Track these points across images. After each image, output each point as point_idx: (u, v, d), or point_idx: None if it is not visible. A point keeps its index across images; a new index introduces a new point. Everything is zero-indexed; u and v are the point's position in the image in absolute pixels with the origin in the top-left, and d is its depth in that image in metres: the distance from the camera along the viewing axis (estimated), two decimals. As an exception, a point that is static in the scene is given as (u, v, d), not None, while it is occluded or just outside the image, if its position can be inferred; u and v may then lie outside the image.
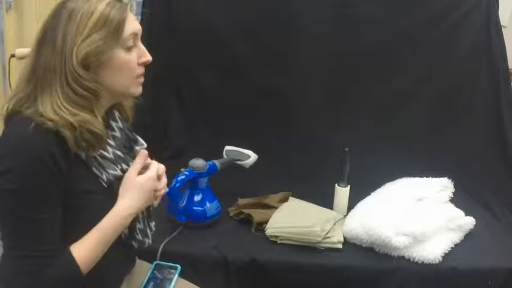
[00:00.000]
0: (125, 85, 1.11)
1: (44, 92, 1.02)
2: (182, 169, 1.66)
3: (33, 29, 2.22)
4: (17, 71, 2.07)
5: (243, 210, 1.81)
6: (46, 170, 0.98)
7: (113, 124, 1.18)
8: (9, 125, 1.03)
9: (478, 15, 2.07)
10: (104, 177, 1.08)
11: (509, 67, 2.14)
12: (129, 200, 1.10)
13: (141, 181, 1.12)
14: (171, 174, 1.46)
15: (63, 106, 1.01)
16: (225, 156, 1.82)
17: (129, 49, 1.08)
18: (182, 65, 2.13)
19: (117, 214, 1.08)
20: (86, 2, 1.03)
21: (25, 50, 1.72)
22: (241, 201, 1.88)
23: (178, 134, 2.18)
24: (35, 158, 0.97)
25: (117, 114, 1.20)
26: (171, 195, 1.65)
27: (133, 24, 1.08)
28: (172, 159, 1.96)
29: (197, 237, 1.66)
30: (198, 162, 1.68)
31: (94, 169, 1.07)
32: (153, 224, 1.26)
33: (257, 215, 1.77)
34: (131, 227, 1.17)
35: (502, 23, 2.12)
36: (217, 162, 1.73)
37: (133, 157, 1.19)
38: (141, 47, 1.12)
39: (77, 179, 1.04)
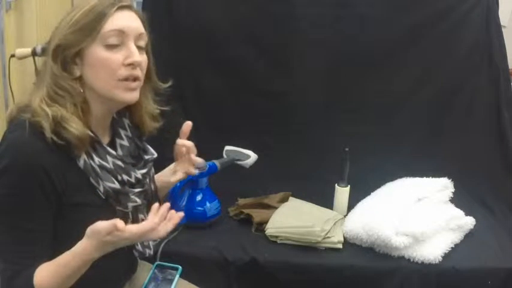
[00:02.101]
0: (106, 87, 1.04)
1: (38, 87, 1.05)
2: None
3: (33, 29, 2.21)
4: (17, 71, 2.07)
5: (243, 210, 1.81)
6: (35, 183, 0.97)
7: (121, 132, 1.16)
8: (8, 129, 1.03)
9: (478, 15, 2.07)
10: (101, 188, 1.06)
11: (509, 67, 2.14)
12: (99, 246, 0.98)
13: (112, 241, 0.97)
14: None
15: (44, 98, 1.01)
16: (225, 156, 1.82)
17: (110, 47, 1.03)
18: (182, 65, 2.12)
19: (83, 253, 0.98)
20: (83, 3, 1.04)
21: (25, 50, 1.71)
22: (241, 201, 1.88)
23: (179, 134, 2.17)
24: (25, 168, 0.97)
25: (126, 121, 1.18)
26: (171, 195, 1.66)
27: (120, 22, 1.04)
28: (172, 159, 1.96)
29: (197, 237, 1.66)
30: (198, 162, 1.68)
31: (91, 179, 1.05)
32: None
33: (257, 215, 1.77)
34: None
35: (502, 23, 2.12)
36: (217, 162, 1.73)
37: (143, 166, 1.17)
38: (131, 47, 1.05)
39: (74, 188, 1.02)
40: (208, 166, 1.69)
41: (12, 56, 1.79)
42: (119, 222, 0.93)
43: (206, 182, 1.74)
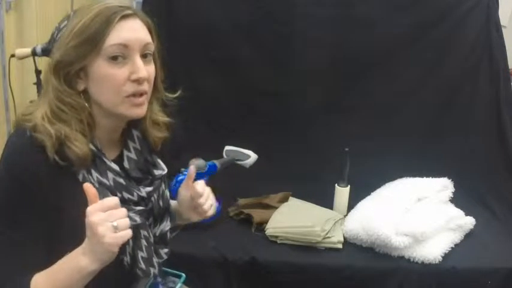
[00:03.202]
0: (111, 102, 1.00)
1: (42, 101, 1.01)
2: (182, 169, 1.66)
3: (33, 29, 2.22)
4: (17, 71, 2.07)
5: (243, 210, 1.81)
6: (26, 192, 0.95)
7: (130, 144, 1.10)
8: (12, 134, 1.02)
9: (478, 15, 2.07)
10: None
11: (509, 67, 2.14)
12: (85, 244, 0.92)
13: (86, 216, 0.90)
14: (171, 174, 1.46)
15: (46, 115, 0.98)
16: (225, 156, 1.82)
17: (114, 61, 0.98)
18: (182, 65, 2.12)
19: (74, 259, 0.93)
20: (87, 8, 0.99)
21: (25, 50, 1.72)
22: (241, 201, 1.88)
23: (178, 134, 2.18)
24: (17, 174, 0.95)
25: (136, 133, 1.11)
26: (171, 195, 1.65)
27: (123, 34, 0.98)
28: (172, 159, 1.96)
29: (197, 237, 1.66)
30: (198, 162, 1.68)
31: None
32: (164, 251, 1.16)
33: (257, 215, 1.77)
34: (133, 255, 1.08)
35: (502, 23, 2.12)
36: (217, 162, 1.73)
37: (150, 184, 1.11)
38: (136, 62, 0.99)
39: (71, 203, 0.97)
40: (208, 166, 1.69)
41: (12, 56, 1.80)
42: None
43: (206, 182, 1.74)
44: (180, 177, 1.63)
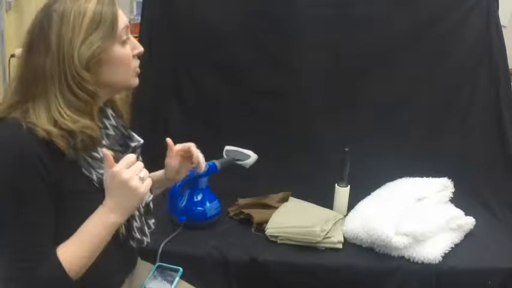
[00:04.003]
0: (125, 79, 1.11)
1: (38, 100, 1.00)
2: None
3: (33, 29, 2.22)
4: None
5: (243, 210, 1.81)
6: (34, 172, 0.97)
7: (106, 122, 1.15)
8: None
9: (478, 15, 2.07)
10: (95, 177, 1.06)
11: (509, 67, 2.14)
12: (110, 202, 1.04)
13: (111, 178, 1.03)
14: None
15: (66, 114, 1.00)
16: (225, 156, 1.82)
17: (124, 43, 1.08)
18: (182, 65, 2.13)
19: (100, 218, 1.04)
20: (74, 2, 1.01)
21: (25, 50, 1.72)
22: (241, 201, 1.88)
23: (178, 134, 2.18)
24: (22, 158, 0.96)
25: (109, 111, 1.18)
26: (171, 195, 1.66)
27: (123, 18, 1.08)
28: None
29: (197, 237, 1.66)
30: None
31: (84, 170, 1.05)
32: (152, 221, 1.23)
33: (257, 215, 1.77)
34: (128, 225, 1.15)
35: (502, 23, 2.12)
36: (217, 162, 1.73)
37: (132, 153, 1.17)
38: (132, 39, 1.12)
39: (68, 179, 1.02)
40: (208, 166, 1.69)
41: (12, 56, 1.80)
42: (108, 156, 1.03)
43: (206, 182, 1.74)
44: (180, 177, 1.63)
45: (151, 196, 1.24)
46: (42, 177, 0.98)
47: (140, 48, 1.13)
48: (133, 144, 1.20)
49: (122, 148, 1.17)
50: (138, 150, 1.21)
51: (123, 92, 1.19)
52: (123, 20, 1.07)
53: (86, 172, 1.06)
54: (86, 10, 1.01)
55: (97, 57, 1.02)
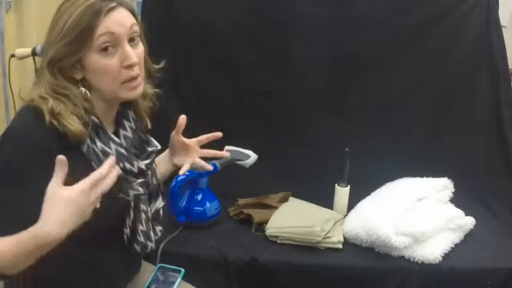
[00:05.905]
0: (111, 90, 1.08)
1: (37, 84, 1.06)
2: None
3: (33, 29, 2.22)
4: (17, 71, 2.07)
5: (243, 210, 1.81)
6: (38, 159, 0.97)
7: (125, 123, 1.16)
8: (17, 113, 1.05)
9: (478, 15, 2.07)
10: None
11: (509, 67, 2.14)
12: (54, 219, 0.89)
13: (69, 196, 0.90)
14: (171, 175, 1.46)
15: (48, 94, 1.03)
16: (225, 156, 1.82)
17: (105, 53, 1.04)
18: (182, 64, 2.12)
19: (37, 237, 0.90)
20: (71, 5, 1.03)
21: (25, 50, 1.72)
22: (241, 201, 1.88)
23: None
24: (31, 145, 0.98)
25: (131, 114, 1.19)
26: (171, 195, 1.66)
27: (110, 25, 1.03)
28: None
29: (197, 237, 1.66)
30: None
31: (93, 164, 1.05)
32: (159, 228, 1.24)
33: (257, 215, 1.77)
34: (133, 228, 1.15)
35: (502, 23, 2.12)
36: (217, 162, 1.73)
37: (147, 157, 1.18)
38: (126, 49, 1.05)
39: (76, 172, 0.98)
40: (208, 166, 1.69)
41: (12, 56, 1.80)
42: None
43: (206, 182, 1.74)
44: (180, 177, 1.63)
45: (163, 203, 1.24)
46: (44, 167, 0.94)
47: (131, 60, 1.05)
48: (150, 149, 1.20)
49: (137, 151, 1.17)
50: (153, 156, 1.22)
51: (119, 102, 1.15)
52: (107, 28, 1.02)
53: (95, 166, 1.04)
54: (72, 15, 1.02)
55: (58, 61, 1.03)
